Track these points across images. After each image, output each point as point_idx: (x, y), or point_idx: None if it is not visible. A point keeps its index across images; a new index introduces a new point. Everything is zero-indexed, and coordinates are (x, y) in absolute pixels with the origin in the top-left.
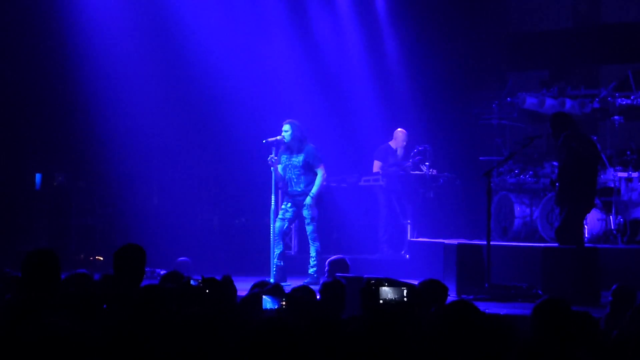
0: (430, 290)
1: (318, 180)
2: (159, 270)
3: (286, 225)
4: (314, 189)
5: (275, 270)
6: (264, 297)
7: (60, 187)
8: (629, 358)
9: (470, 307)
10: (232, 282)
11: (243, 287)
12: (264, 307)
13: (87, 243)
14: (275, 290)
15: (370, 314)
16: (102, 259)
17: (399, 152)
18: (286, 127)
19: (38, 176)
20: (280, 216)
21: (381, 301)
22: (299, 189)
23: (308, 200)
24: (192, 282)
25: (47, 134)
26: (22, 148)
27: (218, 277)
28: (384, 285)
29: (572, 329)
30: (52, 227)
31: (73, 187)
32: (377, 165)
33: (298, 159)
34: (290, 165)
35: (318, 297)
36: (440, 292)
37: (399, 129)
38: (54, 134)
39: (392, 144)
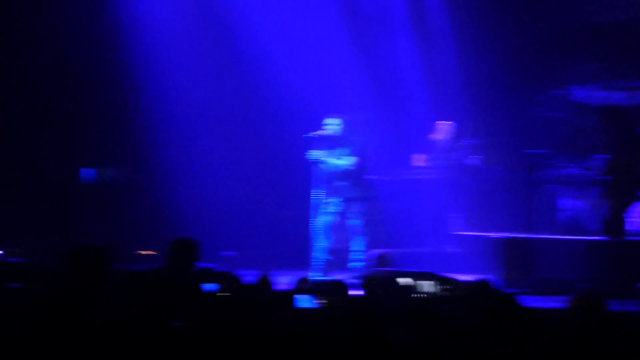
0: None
1: (342, 161)
2: (201, 264)
3: (333, 219)
4: (335, 162)
5: (320, 265)
6: (300, 295)
7: (109, 181)
8: None
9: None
10: (268, 282)
11: (286, 282)
12: (299, 306)
13: (137, 237)
14: (314, 288)
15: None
16: (152, 252)
17: (443, 144)
18: (332, 120)
19: (86, 171)
20: (327, 210)
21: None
22: (344, 184)
23: (314, 156)
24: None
25: (95, 128)
26: (71, 142)
27: (259, 272)
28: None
29: (607, 323)
30: (101, 221)
31: (122, 181)
32: (420, 158)
33: (342, 153)
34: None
35: (359, 291)
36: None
37: (444, 122)
38: (103, 128)
39: (436, 136)
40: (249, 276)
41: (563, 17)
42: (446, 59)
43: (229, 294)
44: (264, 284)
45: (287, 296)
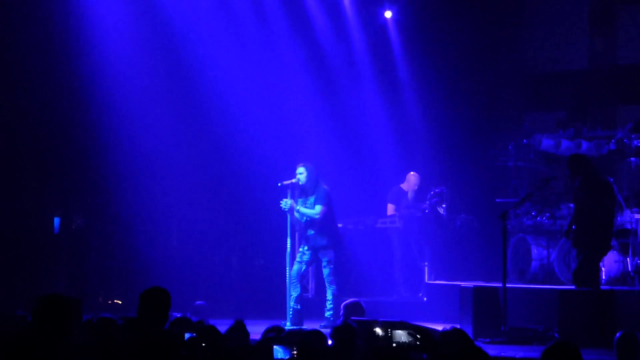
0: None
1: (310, 210)
2: (175, 313)
3: (303, 268)
4: (302, 210)
5: (292, 314)
6: (275, 347)
7: (78, 230)
8: None
9: None
10: (244, 327)
11: (259, 331)
12: (275, 357)
13: (106, 286)
14: (288, 338)
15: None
16: (120, 302)
17: (410, 195)
18: (300, 169)
19: (56, 220)
20: (297, 259)
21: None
22: (312, 232)
23: (286, 205)
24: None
25: (65, 177)
26: (40, 192)
27: (231, 321)
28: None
29: None
30: (71, 270)
31: (91, 230)
32: (390, 208)
33: (311, 201)
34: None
35: (330, 341)
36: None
37: (412, 173)
38: (72, 177)
39: (403, 186)
40: (223, 325)
41: (526, 67)
42: (413, 110)
43: (204, 343)
44: (240, 331)
45: (264, 346)
